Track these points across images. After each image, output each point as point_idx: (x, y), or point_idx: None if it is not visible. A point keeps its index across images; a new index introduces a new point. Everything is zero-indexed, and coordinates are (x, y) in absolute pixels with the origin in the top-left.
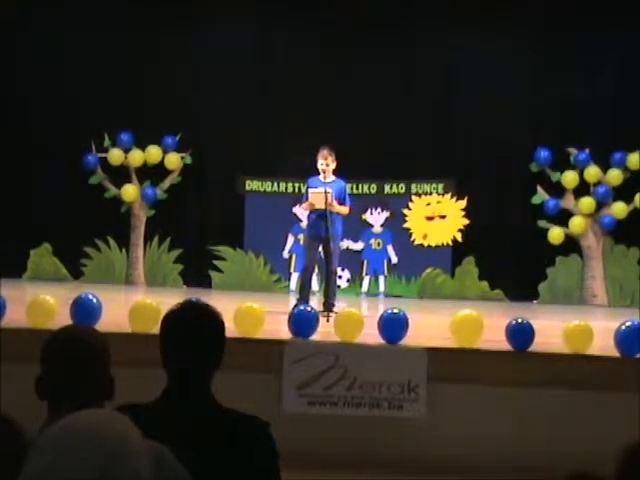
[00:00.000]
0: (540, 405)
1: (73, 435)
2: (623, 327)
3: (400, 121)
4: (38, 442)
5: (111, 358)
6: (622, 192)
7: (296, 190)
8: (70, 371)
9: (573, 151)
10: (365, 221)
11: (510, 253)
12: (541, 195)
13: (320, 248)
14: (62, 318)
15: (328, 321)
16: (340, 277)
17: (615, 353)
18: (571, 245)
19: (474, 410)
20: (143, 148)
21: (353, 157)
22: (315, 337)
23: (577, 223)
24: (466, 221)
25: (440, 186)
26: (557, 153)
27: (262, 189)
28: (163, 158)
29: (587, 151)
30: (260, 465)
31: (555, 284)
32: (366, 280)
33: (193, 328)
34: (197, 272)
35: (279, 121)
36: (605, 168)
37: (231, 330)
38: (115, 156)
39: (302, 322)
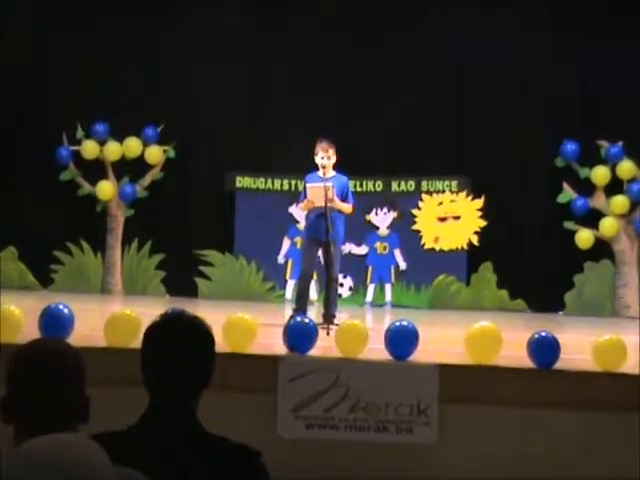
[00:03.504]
0: (566, 429)
1: (35, 461)
2: None
3: (408, 110)
4: None
5: (86, 376)
6: None
7: (292, 187)
8: (39, 391)
9: (604, 144)
10: (370, 222)
11: (533, 258)
12: (568, 193)
13: (319, 252)
14: (29, 331)
15: (328, 334)
16: (342, 285)
17: None
18: (602, 249)
19: (492, 434)
20: (121, 140)
21: (356, 150)
22: (314, 352)
23: (608, 225)
24: (483, 222)
25: (454, 183)
26: (586, 146)
27: (254, 186)
28: (143, 151)
29: (620, 144)
30: None
31: (583, 293)
32: (371, 288)
33: (178, 342)
34: (181, 279)
35: (273, 110)
36: None
37: (220, 344)
38: (89, 149)
39: (299, 335)
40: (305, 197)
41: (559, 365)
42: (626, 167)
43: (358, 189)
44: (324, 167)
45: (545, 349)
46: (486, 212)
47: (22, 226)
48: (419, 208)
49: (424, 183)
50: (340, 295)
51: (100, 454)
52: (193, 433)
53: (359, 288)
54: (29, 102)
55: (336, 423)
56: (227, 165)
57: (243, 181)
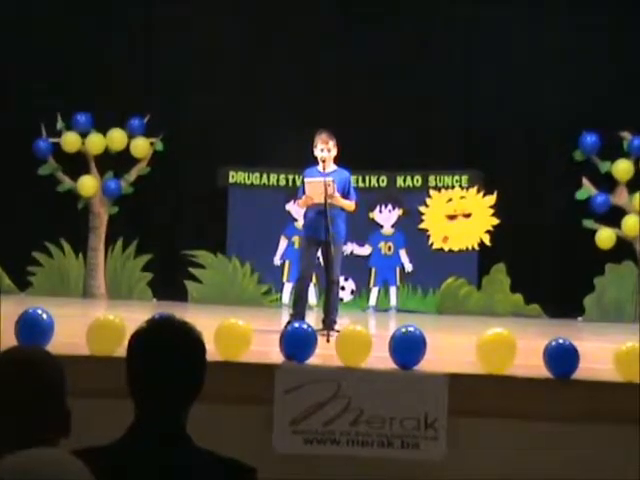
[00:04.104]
0: (585, 444)
1: (10, 479)
2: None
3: (415, 100)
4: None
5: (66, 386)
6: None
7: (290, 183)
8: (16, 402)
9: (627, 136)
10: (373, 220)
11: (549, 260)
12: (587, 189)
13: (319, 253)
14: (5, 338)
15: (328, 341)
16: (343, 288)
17: None
18: (624, 250)
19: (505, 450)
20: (104, 132)
21: (358, 143)
22: (313, 361)
23: (631, 223)
24: (495, 221)
25: (464, 178)
26: (607, 138)
27: (249, 182)
28: (129, 144)
29: None
30: None
31: (604, 297)
32: (374, 292)
33: (165, 350)
34: (170, 282)
35: (270, 100)
36: None
37: (211, 352)
38: (70, 141)
39: (297, 343)
40: (303, 193)
41: (578, 375)
42: None
43: (360, 184)
44: (324, 161)
45: (563, 358)
46: (499, 209)
47: None
48: (426, 205)
49: (432, 178)
50: (341, 299)
51: (82, 471)
52: (182, 448)
53: (362, 291)
54: (4, 90)
55: (337, 437)
56: (219, 159)
57: (236, 176)
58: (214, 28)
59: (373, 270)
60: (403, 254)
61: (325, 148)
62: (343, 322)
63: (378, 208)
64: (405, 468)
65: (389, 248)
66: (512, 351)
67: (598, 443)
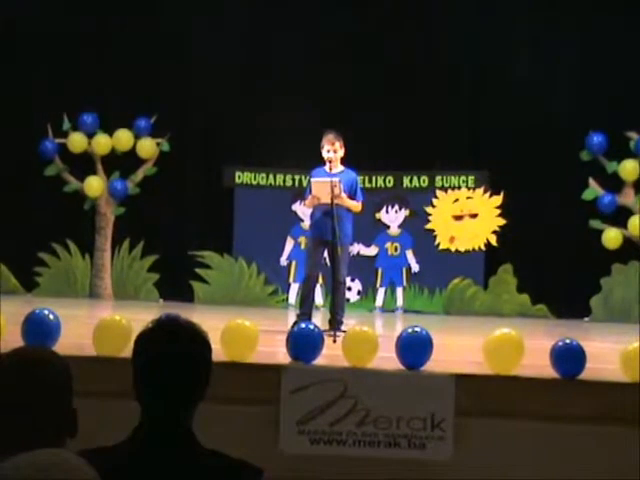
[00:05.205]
0: (592, 444)
1: (18, 479)
2: None
3: (422, 101)
4: None
5: (73, 387)
6: None
7: (296, 183)
8: (23, 402)
9: (633, 136)
10: (380, 221)
11: (556, 260)
12: (594, 189)
13: (325, 253)
14: (12, 339)
15: (335, 342)
16: (349, 289)
17: None
18: (630, 250)
19: (511, 450)
20: (110, 132)
21: (365, 144)
22: (319, 361)
23: (638, 223)
24: (502, 221)
25: (470, 178)
26: (613, 138)
27: (255, 182)
28: (135, 144)
29: None
30: None
31: (611, 298)
32: (381, 292)
33: (172, 351)
34: (176, 283)
35: (276, 100)
36: None
37: (218, 353)
38: (76, 142)
39: (303, 343)
40: (310, 193)
41: (584, 375)
42: None
43: (367, 185)
44: (330, 161)
45: (569, 358)
46: (505, 210)
47: (3, 226)
48: (433, 205)
49: (438, 178)
50: (348, 299)
51: (88, 471)
52: (188, 449)
53: (368, 292)
54: (10, 90)
55: (343, 438)
56: (225, 159)
57: (243, 176)
58: (218, 28)
59: (380, 271)
60: (410, 255)
61: (331, 149)
62: (349, 322)
63: (385, 208)
64: (412, 468)
65: (396, 249)
66: (519, 351)
67: (604, 443)
